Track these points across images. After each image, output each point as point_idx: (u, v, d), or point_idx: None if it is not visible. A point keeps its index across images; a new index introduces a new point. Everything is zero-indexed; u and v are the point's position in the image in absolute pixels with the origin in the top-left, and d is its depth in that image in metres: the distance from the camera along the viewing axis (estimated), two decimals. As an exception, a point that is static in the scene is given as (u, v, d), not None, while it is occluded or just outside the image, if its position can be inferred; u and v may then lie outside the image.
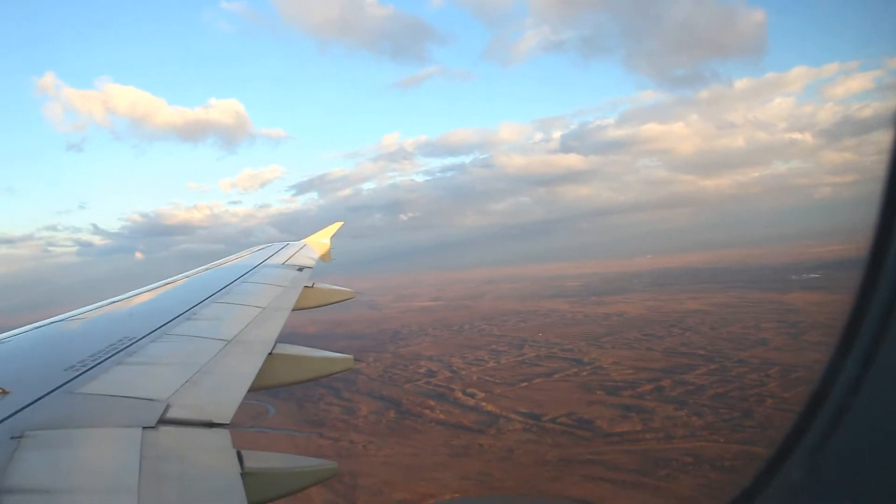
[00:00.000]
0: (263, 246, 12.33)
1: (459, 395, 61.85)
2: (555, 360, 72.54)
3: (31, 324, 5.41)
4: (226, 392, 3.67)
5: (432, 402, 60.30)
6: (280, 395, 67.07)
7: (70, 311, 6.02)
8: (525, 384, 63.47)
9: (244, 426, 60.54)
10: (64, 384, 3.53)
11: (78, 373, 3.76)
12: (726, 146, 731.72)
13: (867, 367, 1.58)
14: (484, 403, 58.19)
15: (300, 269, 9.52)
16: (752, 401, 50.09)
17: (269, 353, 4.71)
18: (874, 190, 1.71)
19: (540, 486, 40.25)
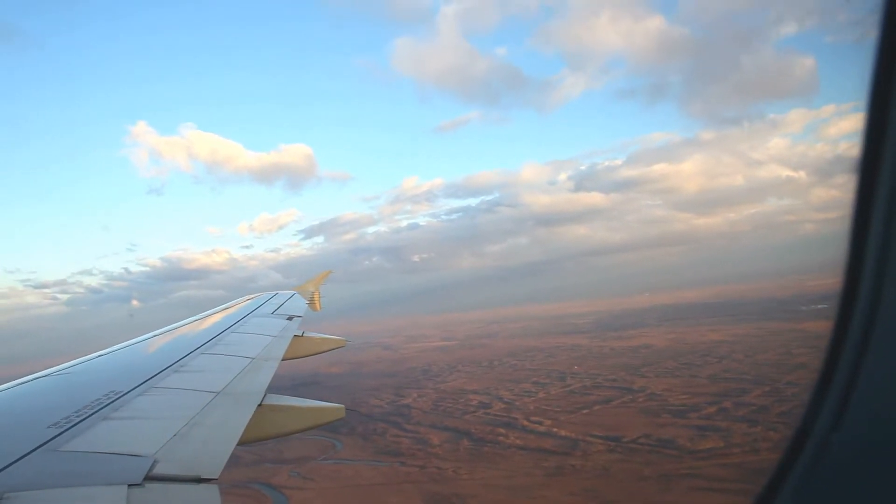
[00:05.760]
0: (253, 296, 12.68)
1: (526, 422, 63.28)
2: (603, 389, 74.59)
3: None
4: (215, 446, 3.63)
5: (502, 430, 61.57)
6: (341, 430, 67.65)
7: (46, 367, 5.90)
8: (586, 411, 65.28)
9: (317, 459, 61.00)
10: (47, 442, 3.42)
11: (62, 430, 3.64)
12: (726, 184, 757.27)
13: (846, 403, 1.62)
14: (556, 429, 59.73)
15: (289, 318, 9.65)
16: (821, 416, 52.88)
17: (259, 405, 4.74)
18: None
19: (652, 499, 42.02)
